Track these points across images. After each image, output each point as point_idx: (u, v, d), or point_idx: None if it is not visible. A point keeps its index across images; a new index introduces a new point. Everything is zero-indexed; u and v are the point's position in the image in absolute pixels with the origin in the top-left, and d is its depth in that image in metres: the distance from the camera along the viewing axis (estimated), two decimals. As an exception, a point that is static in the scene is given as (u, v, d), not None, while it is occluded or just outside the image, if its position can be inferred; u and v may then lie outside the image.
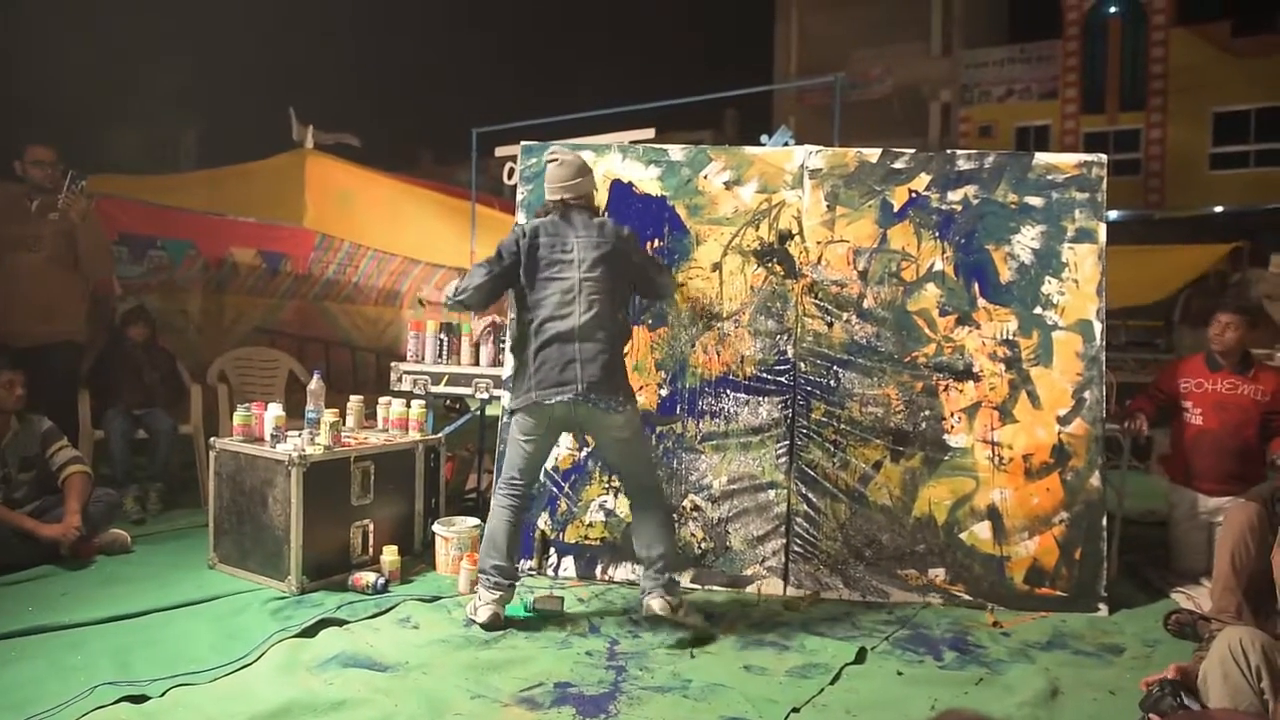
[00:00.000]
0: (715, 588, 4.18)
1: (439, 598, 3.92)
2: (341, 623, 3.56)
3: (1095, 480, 4.10)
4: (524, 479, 3.70)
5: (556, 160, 3.74)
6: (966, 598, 4.09)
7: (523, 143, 4.65)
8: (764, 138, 5.02)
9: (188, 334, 7.06)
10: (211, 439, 4.31)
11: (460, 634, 3.51)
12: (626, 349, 3.82)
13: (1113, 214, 15.41)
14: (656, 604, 3.53)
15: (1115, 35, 19.60)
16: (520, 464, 3.68)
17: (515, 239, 3.61)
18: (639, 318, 4.35)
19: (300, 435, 4.15)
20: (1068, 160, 4.29)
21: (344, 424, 4.45)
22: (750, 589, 4.17)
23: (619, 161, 4.48)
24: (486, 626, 3.53)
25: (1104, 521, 4.11)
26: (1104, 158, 4.30)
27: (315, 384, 4.36)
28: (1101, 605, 4.04)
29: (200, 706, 2.81)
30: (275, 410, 4.21)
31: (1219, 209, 15.93)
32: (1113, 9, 19.74)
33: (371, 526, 4.26)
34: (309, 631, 3.43)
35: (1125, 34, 19.56)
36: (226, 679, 3.03)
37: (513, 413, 3.66)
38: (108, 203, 6.28)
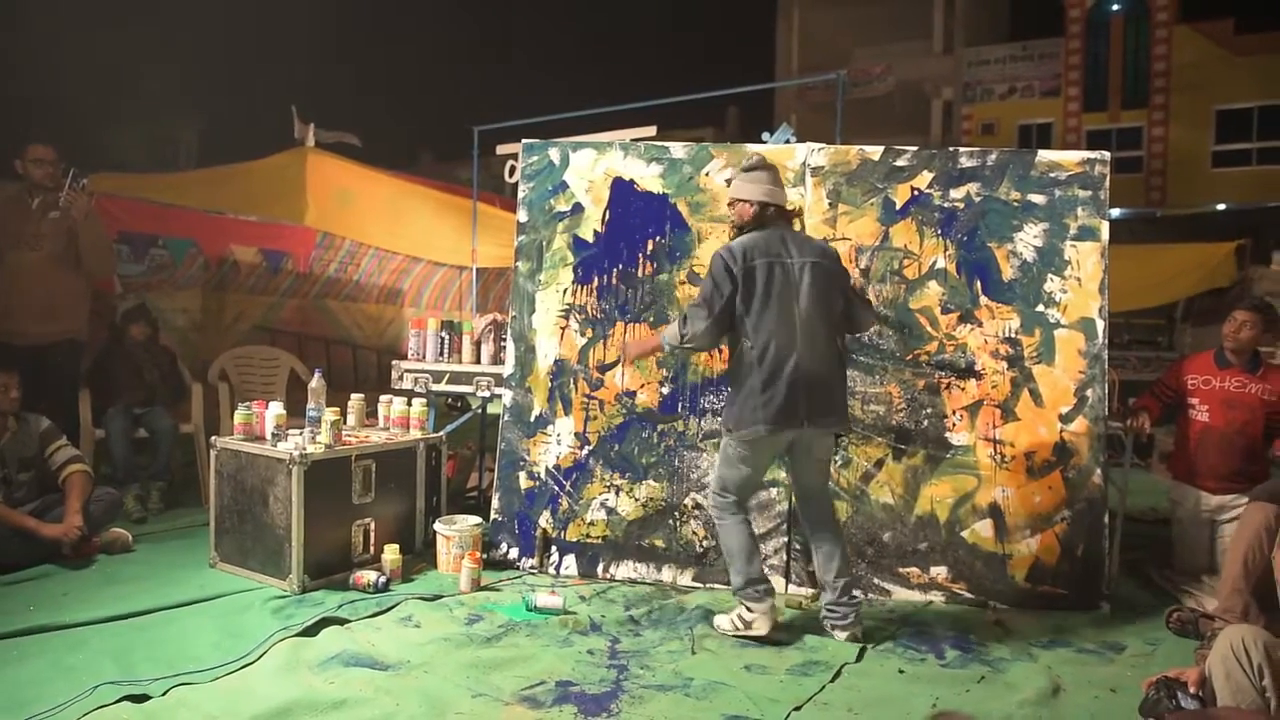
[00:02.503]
0: (717, 586, 4.17)
1: (440, 596, 3.92)
2: (343, 622, 3.55)
3: (1097, 478, 4.10)
4: (738, 495, 3.61)
5: (758, 164, 3.60)
6: (968, 596, 4.09)
7: (524, 140, 4.64)
8: (766, 135, 5.01)
9: (189, 333, 7.07)
10: (212, 438, 4.30)
11: (461, 633, 3.50)
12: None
13: (1115, 212, 15.40)
14: (844, 635, 3.54)
15: (1117, 33, 19.57)
16: (737, 483, 3.59)
17: (726, 266, 3.44)
18: (640, 315, 4.35)
19: (301, 434, 4.14)
20: (1070, 158, 4.28)
21: (345, 422, 4.45)
22: (752, 587, 4.16)
23: (620, 159, 4.47)
24: (767, 638, 3.48)
25: (1106, 519, 4.11)
26: (1107, 155, 4.29)
27: (316, 382, 4.36)
28: (1103, 603, 4.03)
29: (202, 706, 2.81)
30: (276, 409, 4.20)
31: (1221, 207, 15.91)
32: (1115, 6, 19.71)
33: (373, 525, 4.26)
34: (310, 630, 3.43)
35: (1127, 31, 19.53)
36: (228, 678, 3.03)
37: (731, 433, 3.53)
38: (109, 201, 6.29)
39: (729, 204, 3.69)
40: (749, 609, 3.52)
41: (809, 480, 3.70)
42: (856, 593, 3.67)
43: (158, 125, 20.81)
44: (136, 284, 6.70)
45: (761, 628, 3.49)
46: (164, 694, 2.87)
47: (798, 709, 2.92)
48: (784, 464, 4.00)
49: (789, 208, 3.64)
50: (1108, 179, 4.22)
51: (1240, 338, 4.52)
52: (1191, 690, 2.05)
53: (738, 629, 3.53)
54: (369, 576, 3.99)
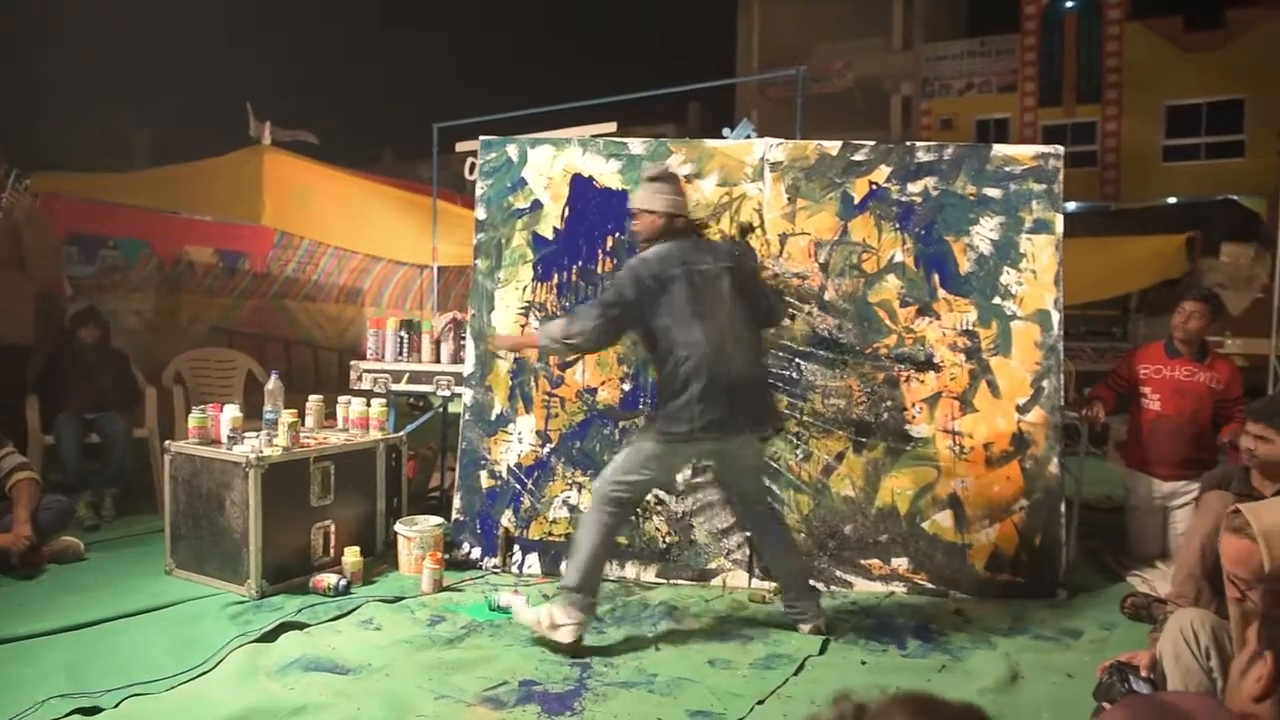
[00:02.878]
0: (680, 581, 4.17)
1: (402, 598, 3.88)
2: (302, 626, 3.50)
3: (1054, 468, 4.16)
4: (630, 495, 3.46)
5: (662, 178, 3.57)
6: (929, 586, 4.12)
7: (481, 137, 4.60)
8: (727, 131, 5.01)
9: (143, 335, 6.93)
10: (167, 442, 4.22)
11: (423, 634, 3.47)
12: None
13: (1071, 206, 15.64)
14: (807, 629, 3.56)
15: (1071, 29, 19.87)
16: (637, 483, 3.45)
17: (637, 275, 3.38)
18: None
19: (258, 436, 4.08)
20: (1025, 152, 4.34)
21: (303, 424, 4.38)
22: (715, 582, 4.17)
23: (579, 155, 4.45)
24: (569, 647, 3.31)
25: (1062, 508, 4.17)
26: (1060, 149, 4.35)
27: (273, 384, 4.29)
28: (1061, 590, 4.09)
29: (155, 716, 2.75)
30: (232, 411, 4.13)
31: (1172, 200, 16.23)
32: (1069, 3, 20.00)
33: (332, 528, 4.20)
34: (269, 636, 3.37)
35: (1081, 28, 19.84)
36: (183, 687, 2.96)
37: (658, 435, 3.40)
38: (56, 201, 6.14)
39: (633, 215, 3.60)
40: (566, 613, 3.32)
41: (745, 485, 3.67)
42: (815, 584, 3.70)
43: (108, 123, 20.40)
44: (87, 286, 6.56)
45: (566, 637, 3.29)
46: (116, 705, 2.80)
47: (760, 703, 2.93)
48: (710, 473, 4.08)
49: (692, 218, 3.63)
50: (1061, 173, 4.28)
51: (1189, 328, 4.60)
52: (1143, 673, 2.08)
53: (540, 625, 3.34)
54: (329, 580, 3.94)
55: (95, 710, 2.77)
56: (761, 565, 4.12)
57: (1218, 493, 3.37)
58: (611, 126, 6.17)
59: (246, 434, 4.12)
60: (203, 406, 4.26)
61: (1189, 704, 1.30)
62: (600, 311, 3.41)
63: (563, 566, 4.24)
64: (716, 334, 3.35)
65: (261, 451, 3.93)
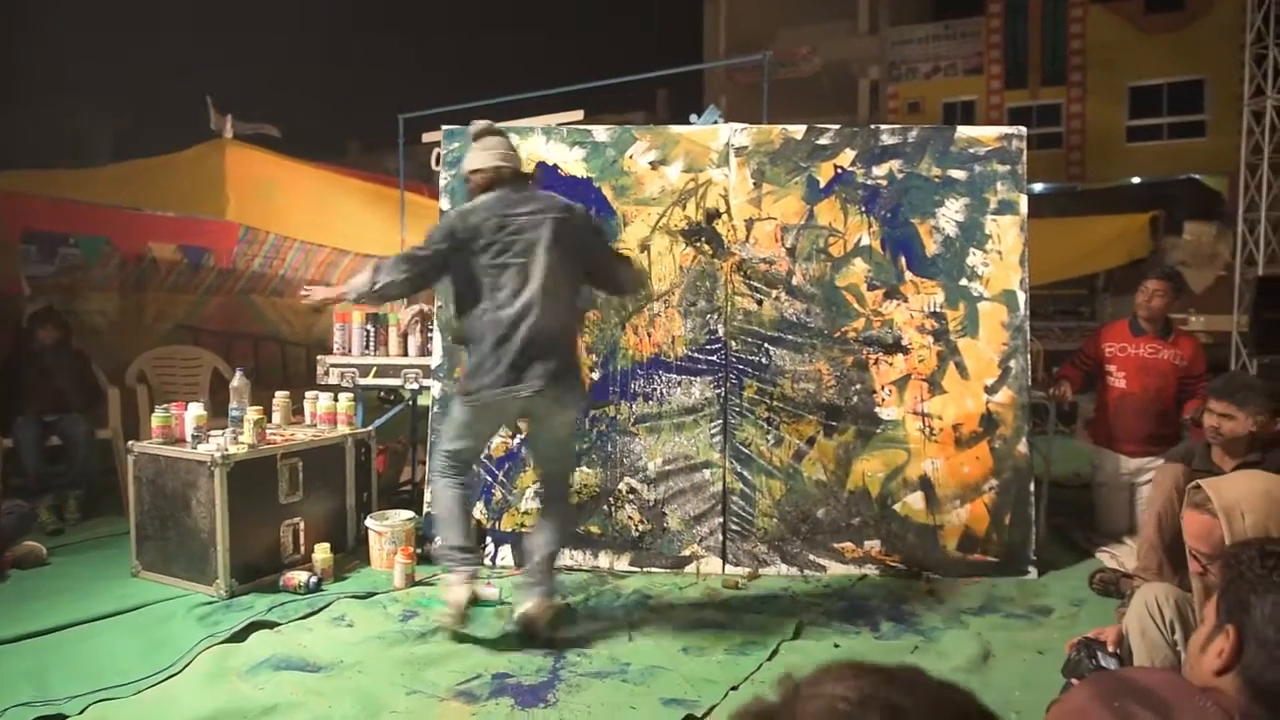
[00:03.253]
0: (653, 569, 4.17)
1: (374, 594, 3.85)
2: (273, 625, 3.46)
3: (1023, 447, 4.19)
4: (459, 460, 3.48)
5: (486, 131, 3.49)
6: (902, 568, 4.15)
7: (444, 127, 4.55)
8: (694, 117, 4.99)
9: (107, 334, 6.82)
10: (130, 442, 4.15)
11: (396, 630, 3.44)
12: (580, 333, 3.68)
13: (1037, 187, 15.80)
14: (536, 606, 3.32)
15: (1035, 12, 19.96)
16: (461, 447, 3.46)
17: (450, 226, 3.33)
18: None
19: (223, 434, 4.02)
20: (988, 133, 4.35)
21: (270, 421, 4.33)
22: (689, 569, 4.17)
23: (543, 144, 4.41)
24: (455, 610, 3.31)
25: (1032, 486, 4.20)
26: (1023, 130, 4.36)
27: (238, 381, 4.22)
28: (1031, 568, 4.13)
29: (122, 721, 2.71)
30: (196, 410, 4.07)
31: (1136, 180, 16.41)
32: (1032, -14, 20.08)
33: (302, 525, 4.16)
34: (239, 636, 3.33)
35: (1045, 11, 19.94)
36: (151, 691, 2.92)
37: (460, 395, 3.42)
38: (12, 199, 6.02)
39: (466, 179, 3.50)
40: (448, 571, 3.40)
41: (543, 452, 3.55)
42: (549, 578, 3.45)
43: (65, 118, 20.02)
44: (46, 285, 6.42)
45: (454, 596, 3.30)
46: (82, 712, 2.75)
47: (734, 688, 2.93)
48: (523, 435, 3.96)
49: (524, 170, 3.51)
50: (1024, 153, 4.29)
51: (1152, 306, 4.65)
52: (1110, 649, 2.10)
53: (447, 604, 3.37)
54: (300, 577, 3.90)
55: (61, 718, 2.72)
56: (744, 548, 4.12)
57: (1170, 465, 3.42)
58: (579, 115, 6.12)
59: (212, 432, 4.06)
60: (166, 405, 4.20)
61: (1151, 679, 1.30)
62: (408, 260, 3.34)
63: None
64: (525, 286, 3.24)
65: (227, 450, 3.87)
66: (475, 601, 3.39)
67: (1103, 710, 1.22)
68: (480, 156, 3.43)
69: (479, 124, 3.57)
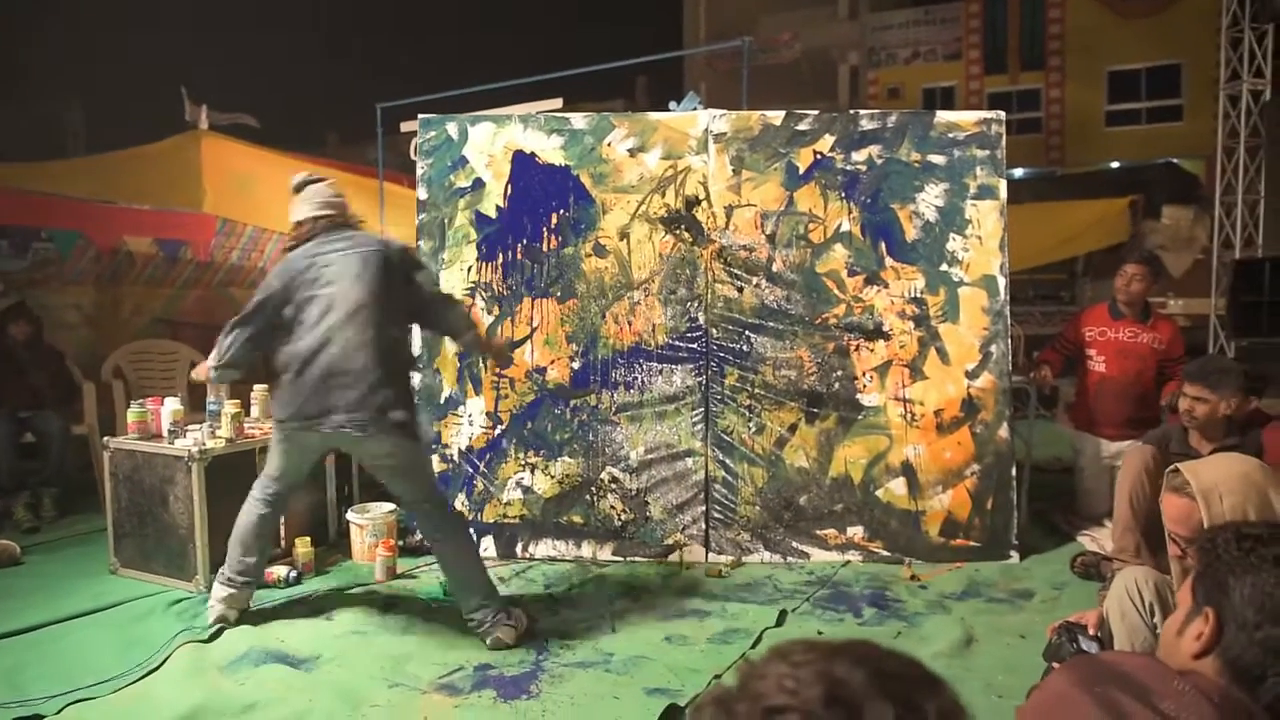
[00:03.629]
0: (637, 559, 4.16)
1: (355, 587, 3.82)
2: (252, 620, 3.43)
3: (1004, 432, 4.20)
4: (279, 485, 3.41)
5: (306, 181, 3.43)
6: (884, 553, 4.16)
7: (420, 115, 4.51)
8: (673, 104, 4.96)
9: (82, 329, 6.73)
10: (106, 438, 4.10)
11: (377, 623, 3.42)
12: (412, 370, 3.44)
13: (1018, 172, 15.85)
14: (503, 634, 3.20)
15: (1014, -3, 20.00)
16: (278, 470, 3.39)
17: (269, 281, 3.28)
18: (546, 290, 4.29)
19: (201, 429, 3.98)
20: (968, 118, 4.34)
21: (248, 414, 4.29)
22: (672, 558, 4.16)
23: (520, 132, 4.37)
24: (215, 625, 3.31)
25: (1013, 471, 4.22)
26: (1002, 115, 4.36)
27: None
28: (1013, 553, 4.15)
29: (99, 720, 2.68)
30: (172, 404, 4.02)
31: (1115, 164, 16.49)
32: (1010, -30, 20.09)
33: (282, 519, 4.11)
34: (218, 631, 3.30)
35: (1023, -5, 19.97)
36: (130, 689, 2.89)
37: (275, 422, 3.33)
38: (-18, 192, 5.92)
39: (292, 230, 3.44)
40: (217, 588, 3.39)
41: (393, 488, 3.42)
42: (490, 607, 3.25)
43: (38, 109, 19.74)
44: (19, 280, 6.33)
45: (211, 614, 3.33)
46: (59, 712, 2.72)
47: (718, 677, 2.92)
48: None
49: (346, 216, 3.40)
50: (1004, 138, 4.29)
51: (1131, 290, 4.67)
52: (1091, 632, 2.11)
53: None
54: (280, 571, 3.87)
55: (37, 718, 2.69)
56: (727, 536, 4.12)
57: (1137, 446, 3.43)
58: (558, 103, 6.08)
59: (189, 427, 4.02)
60: (141, 401, 4.15)
61: (1129, 663, 1.30)
62: (238, 324, 3.28)
63: (518, 549, 4.22)
64: (327, 323, 3.14)
65: (204, 444, 3.83)
66: (226, 621, 3.34)
67: (1083, 695, 1.21)
68: (301, 208, 3.37)
69: (299, 176, 3.50)
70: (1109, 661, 1.33)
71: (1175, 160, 15.51)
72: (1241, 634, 1.23)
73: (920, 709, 0.74)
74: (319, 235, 3.31)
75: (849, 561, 4.14)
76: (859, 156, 4.27)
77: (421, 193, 4.40)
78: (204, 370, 3.49)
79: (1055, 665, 2.06)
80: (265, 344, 3.30)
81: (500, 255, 4.33)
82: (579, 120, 4.37)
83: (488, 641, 3.19)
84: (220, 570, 3.43)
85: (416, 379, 3.77)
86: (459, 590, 3.32)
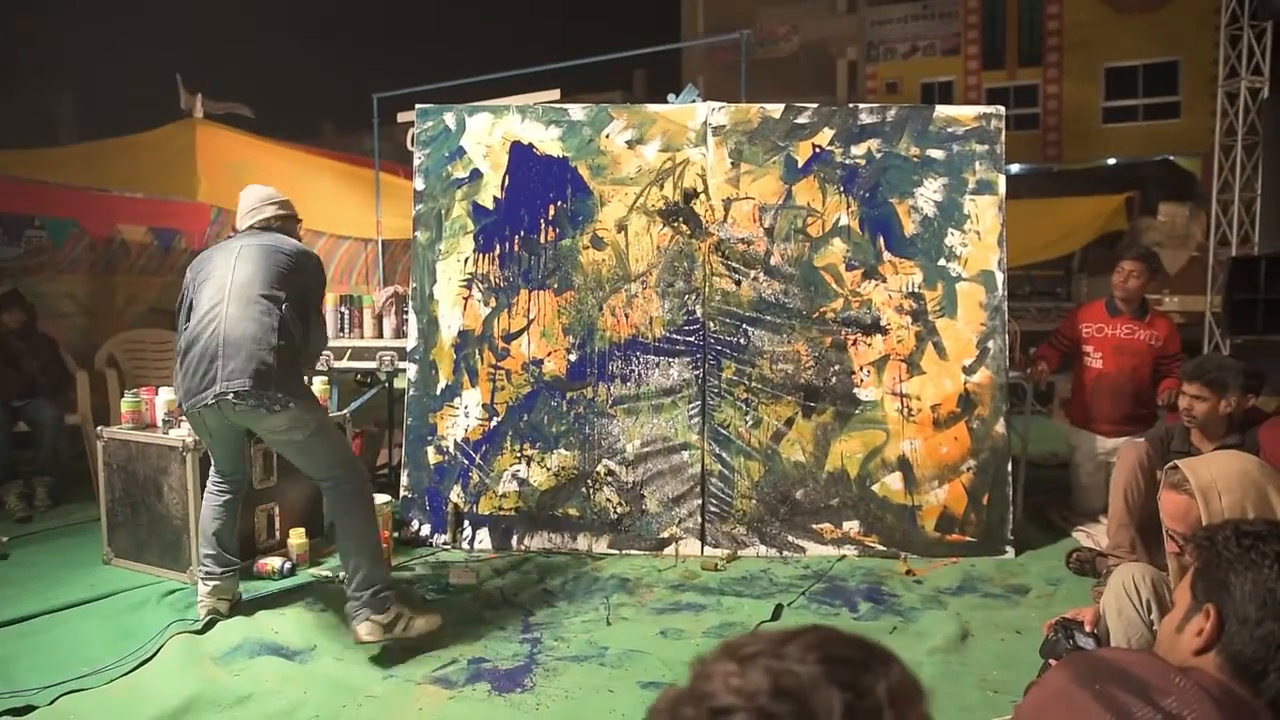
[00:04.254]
0: (633, 552, 4.16)
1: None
2: (246, 611, 3.42)
3: (1000, 427, 4.20)
4: (223, 472, 3.42)
5: (245, 195, 3.47)
6: (880, 548, 4.16)
7: (418, 105, 4.48)
8: (671, 97, 4.94)
9: (77, 318, 6.70)
10: (99, 428, 4.08)
11: (372, 615, 3.41)
12: (301, 354, 3.32)
13: (1014, 168, 15.83)
14: (363, 630, 3.04)
15: (1013, -8, 19.97)
16: (214, 460, 3.42)
17: (185, 280, 3.34)
18: (544, 282, 4.27)
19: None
20: (967, 113, 4.33)
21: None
22: (668, 551, 4.16)
23: (518, 123, 4.35)
24: (209, 618, 3.28)
25: (1009, 467, 4.22)
26: (1001, 110, 4.35)
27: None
28: (1008, 548, 4.15)
29: (92, 713, 2.66)
30: (166, 394, 4.00)
31: (1112, 161, 16.50)
32: (1010, -34, 20.05)
33: (276, 509, 4.11)
34: (212, 622, 3.28)
35: (1022, -9, 19.94)
36: (123, 680, 2.87)
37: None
38: (-25, 180, 5.88)
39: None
40: (200, 584, 3.40)
41: (297, 463, 3.34)
42: (378, 590, 3.11)
43: (30, 97, 19.61)
44: (12, 269, 6.30)
45: (202, 610, 3.33)
46: (51, 703, 2.70)
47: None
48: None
49: (266, 221, 3.40)
50: (1003, 133, 4.28)
51: (1128, 287, 4.67)
52: (1088, 629, 2.11)
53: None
54: (274, 563, 3.86)
55: (28, 709, 2.67)
56: (723, 529, 4.12)
57: (1131, 442, 3.43)
58: (555, 94, 6.05)
59: (183, 417, 3.99)
60: (135, 390, 4.13)
61: (1128, 660, 1.29)
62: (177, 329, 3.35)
63: (514, 541, 4.21)
64: (212, 306, 3.15)
65: (198, 435, 3.81)
66: (218, 613, 3.33)
67: (1082, 692, 1.21)
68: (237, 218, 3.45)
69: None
70: (1108, 658, 1.32)
71: (1172, 157, 15.53)
72: (1243, 630, 1.23)
73: (869, 692, 0.73)
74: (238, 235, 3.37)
75: (845, 556, 4.14)
76: (858, 150, 4.26)
77: (418, 183, 4.38)
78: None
79: (1052, 661, 2.06)
80: None
81: (497, 247, 4.31)
82: (577, 111, 4.35)
83: (361, 630, 3.04)
84: (198, 568, 3.45)
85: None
86: (347, 566, 3.17)
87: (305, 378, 3.43)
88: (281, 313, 3.17)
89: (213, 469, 3.46)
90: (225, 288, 3.15)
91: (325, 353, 4.70)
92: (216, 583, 3.37)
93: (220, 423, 3.20)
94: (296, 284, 3.26)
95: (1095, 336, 4.75)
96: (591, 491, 4.21)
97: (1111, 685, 1.19)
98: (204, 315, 3.15)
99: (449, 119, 4.39)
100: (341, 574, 3.26)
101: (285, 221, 3.45)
